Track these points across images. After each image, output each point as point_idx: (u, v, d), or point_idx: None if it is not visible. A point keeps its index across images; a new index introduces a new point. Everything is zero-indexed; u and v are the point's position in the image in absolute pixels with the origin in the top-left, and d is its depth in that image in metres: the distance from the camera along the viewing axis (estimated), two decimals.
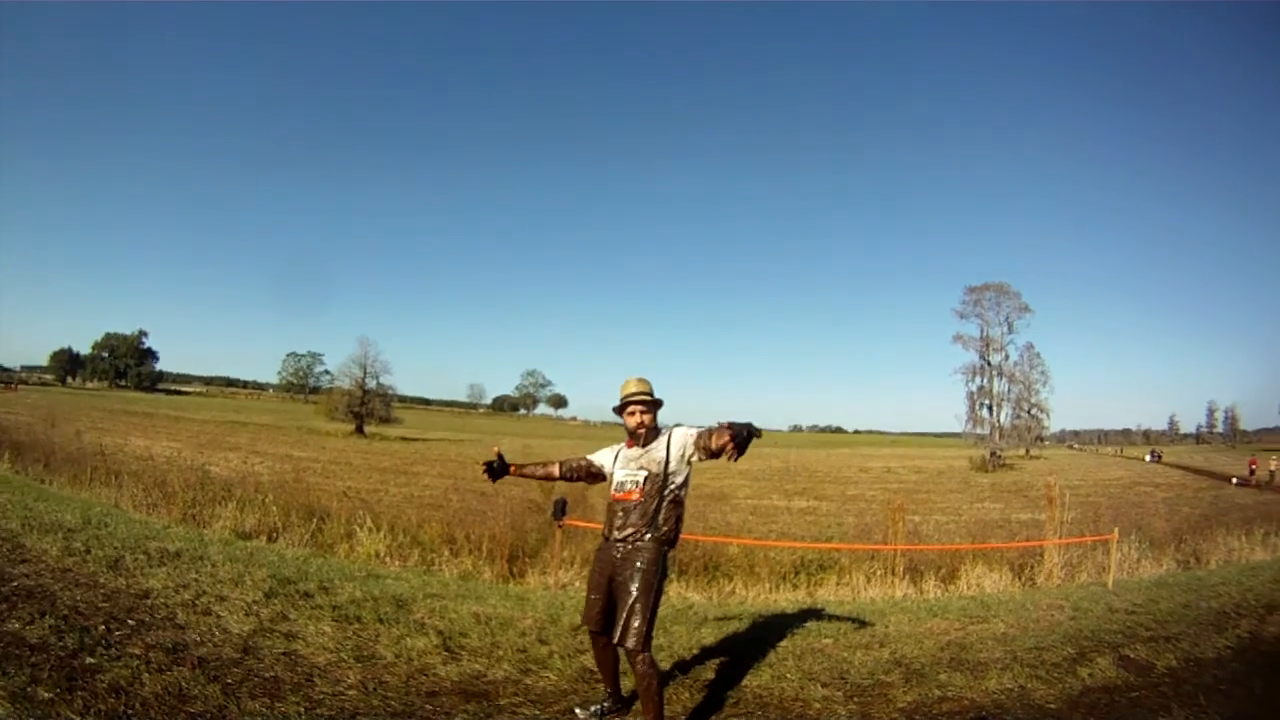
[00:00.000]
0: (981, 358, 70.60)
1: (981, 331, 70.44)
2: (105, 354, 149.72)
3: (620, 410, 4.89)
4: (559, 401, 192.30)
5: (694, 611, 8.67)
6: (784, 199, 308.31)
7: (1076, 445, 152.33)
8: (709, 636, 7.31)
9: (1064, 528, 13.99)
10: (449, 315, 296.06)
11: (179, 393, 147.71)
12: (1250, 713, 5.11)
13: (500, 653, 6.21)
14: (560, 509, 10.75)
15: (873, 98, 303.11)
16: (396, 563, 10.65)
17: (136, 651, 4.87)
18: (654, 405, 4.89)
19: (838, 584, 12.10)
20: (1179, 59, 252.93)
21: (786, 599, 10.61)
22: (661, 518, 4.74)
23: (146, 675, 4.51)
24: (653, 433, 4.85)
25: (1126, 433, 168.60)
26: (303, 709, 4.54)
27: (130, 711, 4.04)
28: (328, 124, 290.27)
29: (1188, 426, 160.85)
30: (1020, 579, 12.50)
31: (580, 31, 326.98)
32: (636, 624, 4.53)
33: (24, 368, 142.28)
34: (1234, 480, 44.63)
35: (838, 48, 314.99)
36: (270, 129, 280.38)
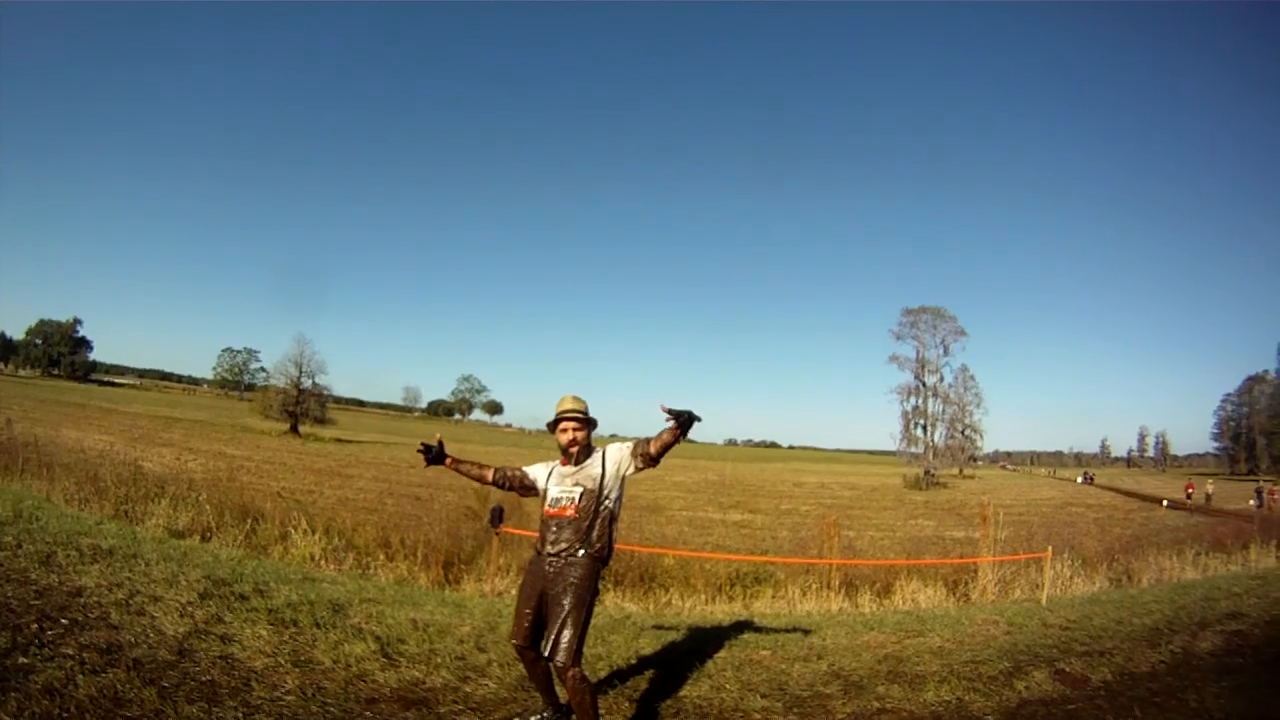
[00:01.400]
0: (917, 378, 72.11)
1: (917, 353, 72.09)
2: (38, 341, 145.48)
3: (553, 426, 4.94)
4: (494, 408, 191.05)
5: (631, 622, 8.71)
6: (722, 213, 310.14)
7: (1009, 465, 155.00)
8: (647, 646, 7.37)
9: (998, 545, 14.40)
10: (386, 317, 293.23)
11: (112, 384, 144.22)
12: None
13: (439, 660, 6.21)
14: (498, 516, 10.78)
15: (812, 111, 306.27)
16: (332, 566, 10.57)
17: (70, 652, 4.83)
18: (587, 423, 4.95)
19: (773, 596, 12.26)
20: (1112, 75, 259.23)
21: (723, 611, 10.70)
22: (595, 534, 4.80)
23: (81, 677, 4.48)
24: (585, 450, 4.92)
25: (1059, 455, 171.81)
26: (241, 714, 4.53)
27: (65, 714, 4.02)
28: (267, 116, 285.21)
29: (1119, 450, 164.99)
30: (955, 595, 12.78)
31: (512, 31, 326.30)
32: (566, 639, 4.54)
33: None
34: (1164, 503, 45.64)
35: (773, 61, 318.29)
36: (210, 119, 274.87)
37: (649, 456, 4.73)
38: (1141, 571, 14.42)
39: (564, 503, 4.82)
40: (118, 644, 5.17)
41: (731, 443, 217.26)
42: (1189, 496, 49.29)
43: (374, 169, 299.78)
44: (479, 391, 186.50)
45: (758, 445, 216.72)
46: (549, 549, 4.82)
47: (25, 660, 4.55)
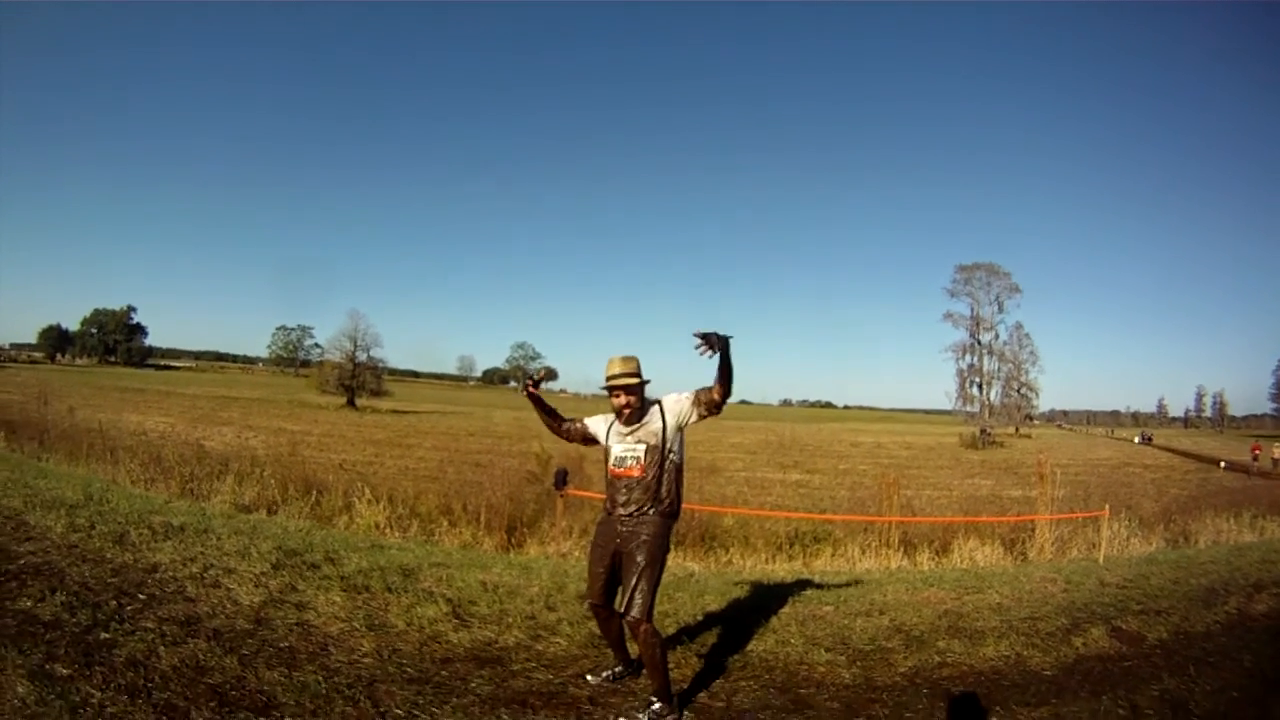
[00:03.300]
0: (971, 336, 71.40)
1: (972, 310, 71.32)
2: (94, 330, 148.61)
3: (607, 391, 4.82)
4: (550, 375, 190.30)
5: (695, 580, 8.74)
6: (775, 175, 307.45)
7: (1066, 425, 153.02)
8: (712, 604, 7.38)
9: (1055, 504, 14.19)
10: (439, 288, 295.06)
11: (169, 368, 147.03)
12: (1238, 685, 5.18)
13: (509, 620, 6.26)
14: (561, 478, 10.78)
15: (867, 75, 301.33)
16: (397, 534, 10.67)
17: (150, 625, 4.90)
18: (639, 385, 4.80)
19: (833, 555, 12.27)
20: (1178, 45, 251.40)
21: (784, 569, 10.71)
22: (664, 490, 4.77)
23: (162, 648, 4.54)
24: (641, 410, 4.79)
25: (1115, 414, 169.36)
26: (321, 677, 4.58)
27: (150, 684, 4.06)
28: (316, 99, 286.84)
29: (1176, 410, 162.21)
30: (1012, 553, 12.72)
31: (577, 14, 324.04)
32: (641, 596, 4.57)
33: (12, 345, 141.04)
34: (1222, 464, 44.96)
35: (830, 30, 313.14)
36: (259, 104, 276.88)
37: (714, 404, 4.63)
38: (1198, 533, 14.24)
39: (629, 462, 4.77)
40: (196, 616, 5.25)
41: (786, 403, 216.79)
42: (1255, 458, 47.31)
43: (424, 139, 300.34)
44: (533, 358, 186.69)
45: (813, 405, 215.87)
46: (620, 510, 4.80)
47: (107, 635, 4.61)
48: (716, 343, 4.39)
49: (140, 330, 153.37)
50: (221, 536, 7.41)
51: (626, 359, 4.77)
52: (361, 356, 72.55)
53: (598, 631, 5.32)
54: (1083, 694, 5.29)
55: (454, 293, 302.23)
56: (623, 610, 4.61)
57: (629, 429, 4.78)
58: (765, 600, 7.57)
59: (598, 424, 5.04)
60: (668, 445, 4.74)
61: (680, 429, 4.80)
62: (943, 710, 5.04)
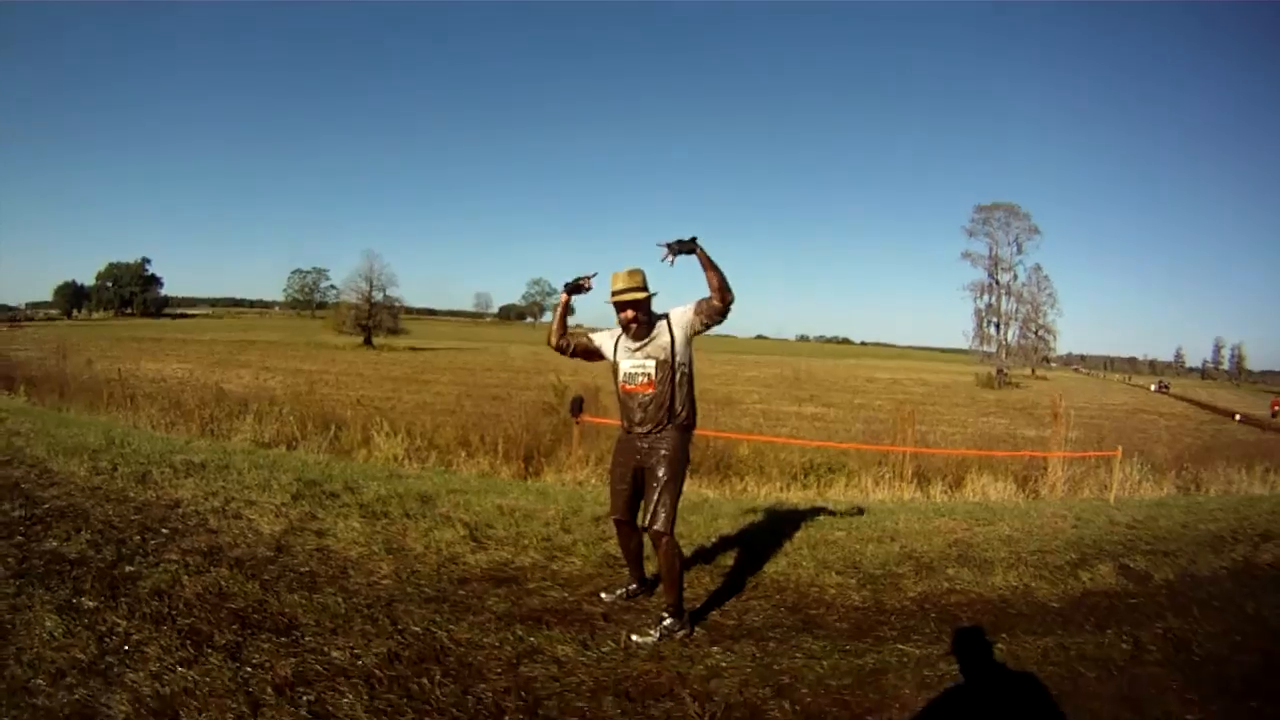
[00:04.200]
0: (990, 276, 70.91)
1: (990, 250, 70.77)
2: (109, 284, 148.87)
3: (614, 307, 4.75)
4: (587, 284, 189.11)
5: (709, 505, 8.82)
6: (794, 105, 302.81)
7: (1083, 369, 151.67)
8: (726, 527, 7.49)
9: (1068, 444, 14.31)
10: (454, 225, 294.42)
11: (185, 316, 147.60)
12: (1241, 629, 5.21)
13: (526, 542, 6.38)
14: (577, 406, 10.85)
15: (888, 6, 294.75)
16: (415, 465, 10.80)
17: (174, 557, 5.00)
18: (645, 299, 4.73)
19: (847, 485, 12.36)
20: None
21: (798, 497, 10.80)
22: (679, 404, 4.77)
23: (186, 578, 4.65)
24: (648, 324, 4.75)
25: (1133, 361, 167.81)
26: (341, 598, 4.71)
27: (174, 612, 4.17)
28: (328, 35, 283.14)
29: (1193, 361, 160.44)
30: (1024, 490, 12.76)
31: None
32: (664, 509, 4.63)
33: (29, 305, 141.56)
34: (1237, 417, 44.74)
35: None
36: (267, 41, 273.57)
37: (714, 310, 4.60)
38: (1210, 482, 14.16)
39: (639, 379, 4.77)
40: (218, 546, 5.37)
41: (803, 338, 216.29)
42: (1275, 414, 46.66)
43: (440, 80, 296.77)
44: (550, 294, 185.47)
45: (830, 341, 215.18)
46: (637, 428, 4.83)
47: (131, 569, 4.72)
48: (676, 248, 4.46)
49: (156, 281, 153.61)
50: (242, 471, 7.53)
51: (632, 273, 4.71)
52: (377, 296, 72.76)
53: (612, 552, 5.41)
54: (1088, 627, 5.37)
55: (471, 230, 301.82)
56: (646, 523, 4.68)
57: (637, 345, 4.76)
58: (778, 525, 7.66)
59: (604, 339, 5.01)
60: (677, 359, 4.73)
61: (689, 341, 4.77)
62: (950, 634, 5.12)
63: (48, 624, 3.70)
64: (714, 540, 6.99)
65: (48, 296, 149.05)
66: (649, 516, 4.67)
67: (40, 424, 9.50)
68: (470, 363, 46.82)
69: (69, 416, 12.72)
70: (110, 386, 15.64)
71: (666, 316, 4.77)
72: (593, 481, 10.34)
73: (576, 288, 4.90)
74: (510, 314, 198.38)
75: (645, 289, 4.71)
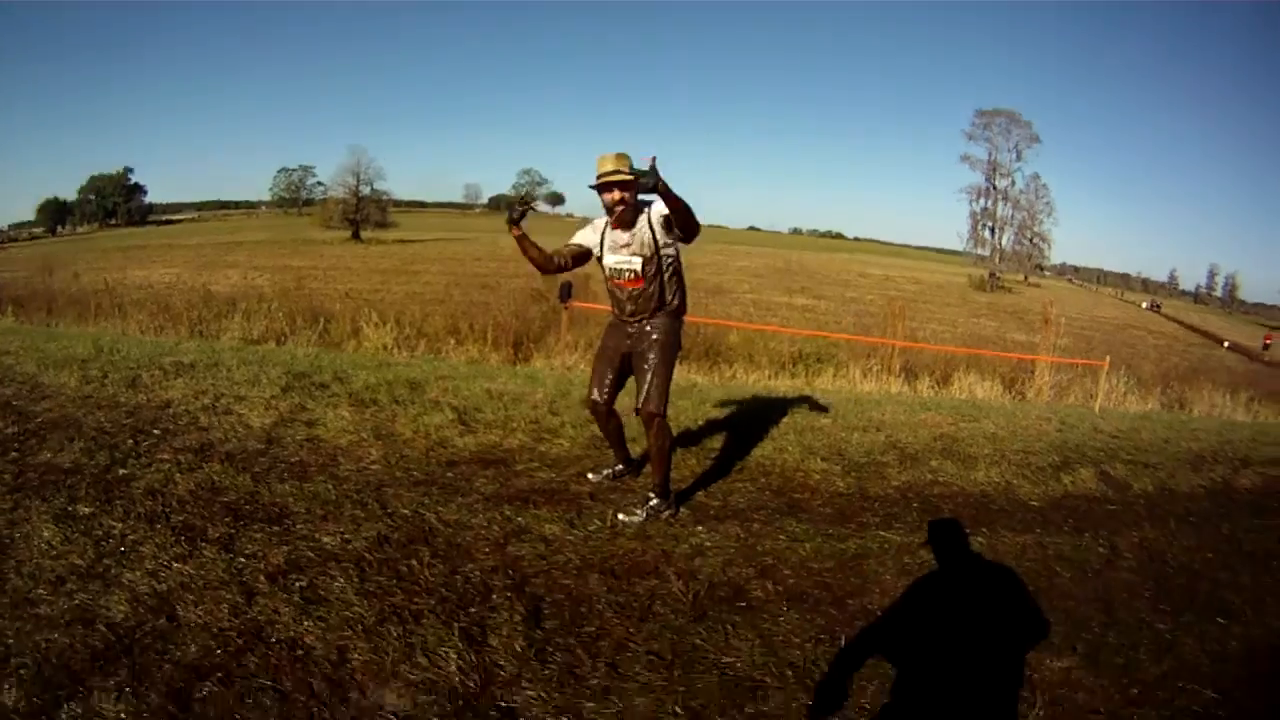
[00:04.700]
0: (988, 180, 69.78)
1: (989, 155, 69.53)
2: (92, 197, 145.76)
3: (597, 190, 4.64)
4: (557, 199, 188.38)
5: (698, 390, 8.96)
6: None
7: (1076, 280, 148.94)
8: (713, 412, 7.62)
9: (1057, 351, 14.45)
10: (443, 117, 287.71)
11: (170, 221, 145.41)
12: (1214, 547, 5.28)
13: (514, 424, 6.48)
14: (566, 291, 10.79)
15: None
16: (404, 354, 10.86)
17: (166, 457, 5.05)
18: (632, 183, 4.55)
19: (835, 375, 12.63)
20: None
21: (785, 385, 10.98)
22: (668, 294, 4.76)
23: (178, 476, 4.71)
24: (633, 210, 4.64)
25: (1126, 278, 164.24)
26: (331, 485, 4.80)
27: (168, 509, 4.23)
28: None
29: (1187, 285, 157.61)
30: (1010, 391, 13.00)
31: None
32: (656, 390, 4.67)
33: (12, 226, 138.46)
34: (1226, 344, 44.78)
35: None
36: None
37: (680, 238, 4.55)
38: (1194, 402, 14.29)
39: (626, 275, 4.73)
40: (209, 443, 5.42)
41: (796, 231, 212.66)
42: (1266, 347, 45.68)
43: None
44: (540, 184, 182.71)
45: (823, 235, 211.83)
46: (627, 316, 4.83)
47: (125, 471, 4.76)
48: (636, 188, 4.32)
49: (139, 190, 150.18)
50: (231, 368, 7.55)
51: (619, 156, 4.58)
52: (365, 191, 71.77)
53: (600, 434, 5.46)
54: (1066, 528, 5.48)
55: (459, 121, 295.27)
56: (639, 405, 4.71)
57: (623, 240, 4.69)
58: (766, 411, 7.76)
59: (587, 235, 4.92)
60: (663, 253, 4.67)
61: (670, 235, 4.66)
62: (932, 524, 5.24)
63: (45, 534, 3.76)
64: (701, 424, 7.11)
65: (31, 216, 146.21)
66: (641, 398, 4.70)
67: (29, 341, 9.47)
68: (459, 253, 46.45)
69: (58, 331, 12.64)
70: (98, 298, 15.52)
71: (649, 214, 4.66)
72: (581, 366, 10.41)
73: (521, 215, 4.71)
74: (500, 204, 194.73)
75: (632, 172, 4.51)
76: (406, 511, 4.52)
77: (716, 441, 6.60)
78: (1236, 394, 14.78)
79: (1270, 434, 9.84)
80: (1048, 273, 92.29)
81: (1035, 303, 40.12)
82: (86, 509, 4.12)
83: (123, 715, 2.62)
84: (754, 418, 7.43)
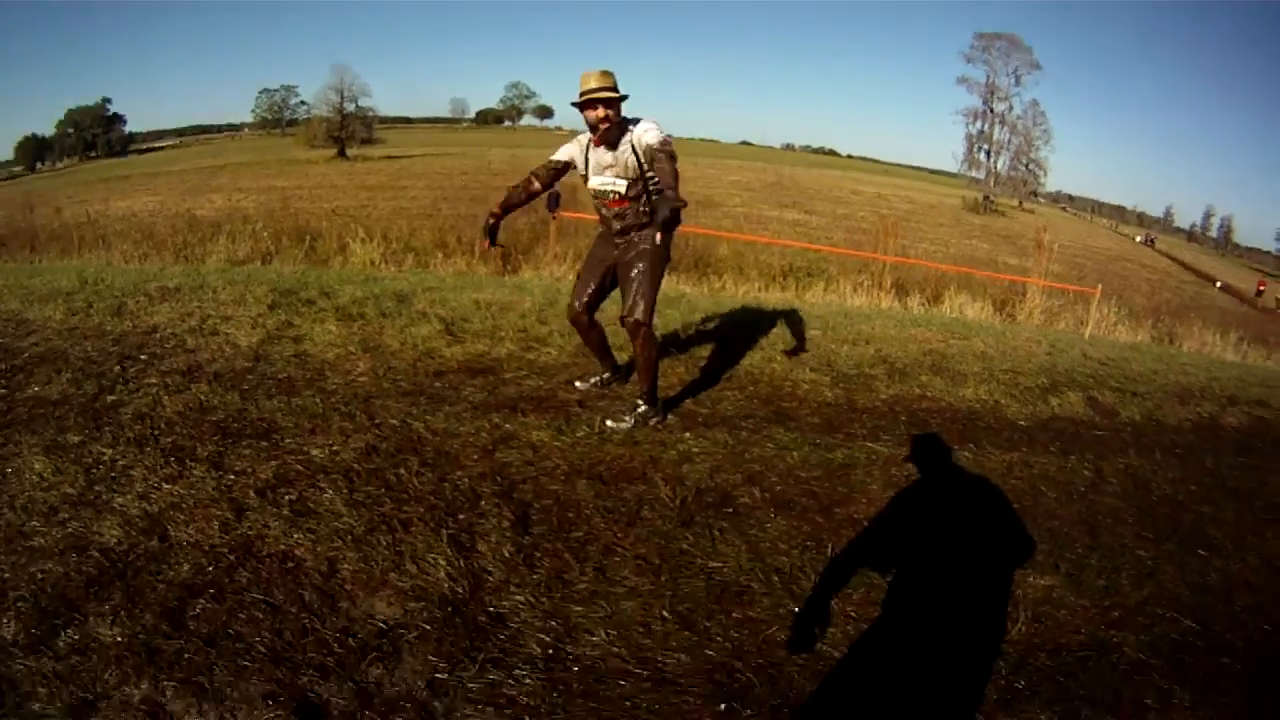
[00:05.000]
0: (985, 104, 67.49)
1: (988, 78, 66.89)
2: (70, 130, 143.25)
3: (580, 107, 4.51)
4: (545, 112, 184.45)
5: (687, 301, 8.95)
6: None
7: (1070, 209, 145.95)
8: (702, 322, 7.63)
9: (1049, 276, 14.41)
10: (426, 29, 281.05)
11: (152, 150, 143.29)
12: (1198, 480, 5.25)
13: (502, 334, 6.49)
14: (554, 201, 10.68)
15: None
16: (392, 268, 10.75)
17: (153, 381, 5.01)
18: (617, 99, 4.49)
19: (825, 290, 12.57)
20: None
21: (775, 298, 10.91)
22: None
23: (166, 398, 4.69)
24: (617, 129, 4.52)
25: (1120, 210, 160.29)
26: (318, 399, 4.81)
27: (156, 432, 4.22)
28: None
29: (1181, 222, 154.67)
30: (1001, 314, 12.91)
31: None
32: (643, 299, 4.63)
33: None
34: (1218, 284, 44.21)
35: None
36: None
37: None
38: (1184, 338, 14.11)
39: (611, 195, 4.67)
40: (197, 364, 5.39)
41: (789, 147, 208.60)
42: (1260, 293, 44.81)
43: None
44: (528, 97, 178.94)
45: (816, 151, 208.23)
46: (615, 228, 4.78)
47: (113, 398, 4.73)
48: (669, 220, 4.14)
49: (118, 120, 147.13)
50: (217, 290, 7.46)
51: (604, 73, 4.48)
52: (349, 108, 70.33)
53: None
54: (1053, 449, 5.48)
55: (444, 34, 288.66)
56: (625, 313, 4.69)
57: (606, 160, 4.61)
58: (755, 321, 7.76)
59: (570, 150, 4.82)
60: (646, 173, 4.58)
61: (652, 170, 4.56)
62: (919, 438, 5.26)
63: (36, 466, 3.74)
64: (690, 333, 7.13)
65: (9, 155, 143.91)
66: (627, 307, 4.67)
67: (12, 279, 9.36)
68: (447, 167, 45.81)
69: (42, 266, 12.50)
70: (80, 231, 15.31)
71: (632, 137, 4.53)
72: (570, 276, 10.31)
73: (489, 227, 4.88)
74: (488, 118, 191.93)
75: (616, 90, 4.49)
76: (394, 422, 4.53)
77: (705, 351, 6.60)
78: (1226, 334, 14.67)
79: (1258, 375, 9.81)
80: (1042, 200, 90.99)
81: (1029, 228, 39.93)
82: (76, 438, 4.10)
83: (118, 638, 2.63)
84: (743, 328, 7.45)
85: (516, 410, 4.86)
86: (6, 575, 2.92)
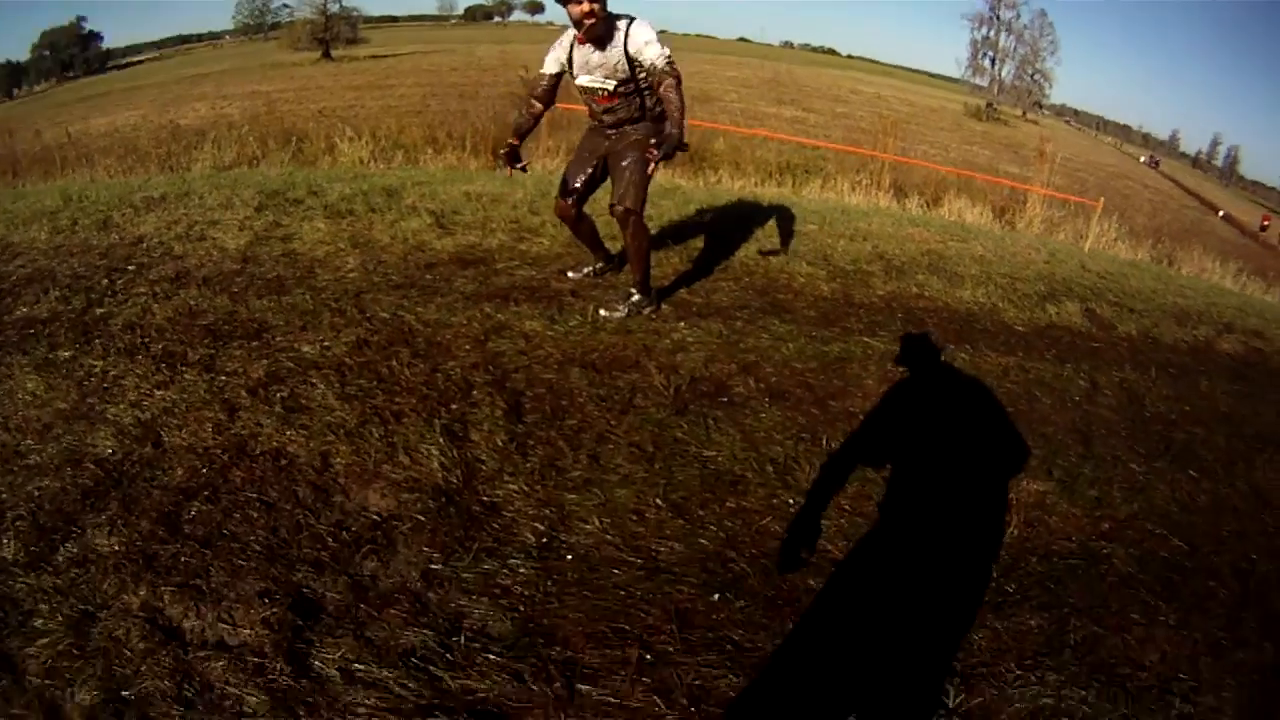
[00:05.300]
0: (992, 10, 65.26)
1: None
2: (46, 53, 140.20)
3: (563, 1, 4.24)
4: (535, 7, 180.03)
5: (681, 193, 8.78)
6: None
7: (1074, 124, 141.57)
8: (697, 214, 7.50)
9: (1051, 186, 13.91)
10: None
11: (132, 64, 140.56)
12: (1191, 400, 5.16)
13: (493, 225, 6.39)
14: (514, 157, 10.48)
15: None
16: (381, 165, 10.56)
17: (142, 290, 4.94)
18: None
19: (822, 187, 12.30)
20: None
21: (772, 193, 10.70)
22: (648, 103, 4.59)
23: (155, 306, 4.63)
24: (604, 25, 4.29)
25: (1126, 129, 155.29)
26: (309, 296, 4.76)
27: (147, 340, 4.17)
28: None
29: (1188, 148, 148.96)
30: (1001, 221, 12.55)
31: None
32: (633, 188, 4.52)
33: None
34: (1221, 213, 43.13)
35: None
36: None
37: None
38: (1183, 262, 13.60)
39: (600, 94, 4.53)
40: (185, 270, 5.29)
41: (788, 45, 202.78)
42: (1264, 229, 43.15)
43: None
44: None
45: (815, 50, 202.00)
46: (606, 122, 4.67)
47: (102, 310, 4.66)
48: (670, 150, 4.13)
49: (95, 37, 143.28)
50: (203, 195, 7.31)
51: None
52: (333, 8, 68.49)
53: None
54: (1049, 355, 5.42)
55: None
56: (614, 201, 4.58)
57: (596, 60, 4.43)
58: (751, 214, 7.65)
59: (555, 55, 4.63)
60: (637, 74, 4.42)
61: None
62: (916, 335, 5.23)
63: (28, 385, 3.70)
64: (684, 224, 7.04)
65: None
66: (618, 195, 4.57)
67: None
68: (436, 64, 44.81)
69: (24, 190, 12.33)
70: (63, 151, 15.06)
71: (625, 35, 4.34)
72: (561, 168, 10.15)
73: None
74: (476, 14, 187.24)
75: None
76: (385, 315, 4.50)
77: (699, 241, 6.53)
78: (1226, 263, 14.32)
79: (1256, 307, 9.52)
80: (1046, 111, 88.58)
81: (1031, 138, 39.02)
82: (66, 353, 4.05)
83: (116, 547, 2.63)
84: (739, 220, 7.35)
85: (509, 300, 4.82)
86: (4, 496, 2.91)
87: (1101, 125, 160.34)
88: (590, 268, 5.39)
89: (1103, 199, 12.97)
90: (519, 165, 4.77)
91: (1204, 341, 6.66)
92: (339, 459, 3.09)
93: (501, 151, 4.80)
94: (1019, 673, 2.51)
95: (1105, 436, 4.32)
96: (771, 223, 7.42)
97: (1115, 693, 2.48)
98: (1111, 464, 3.98)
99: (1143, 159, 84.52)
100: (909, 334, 5.23)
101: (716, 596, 2.65)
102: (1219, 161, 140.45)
